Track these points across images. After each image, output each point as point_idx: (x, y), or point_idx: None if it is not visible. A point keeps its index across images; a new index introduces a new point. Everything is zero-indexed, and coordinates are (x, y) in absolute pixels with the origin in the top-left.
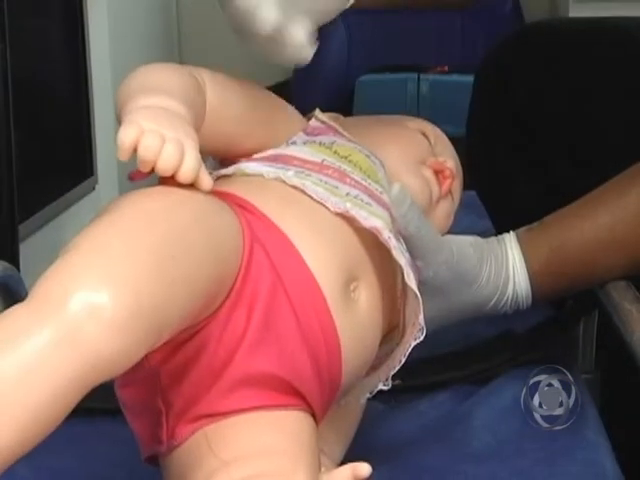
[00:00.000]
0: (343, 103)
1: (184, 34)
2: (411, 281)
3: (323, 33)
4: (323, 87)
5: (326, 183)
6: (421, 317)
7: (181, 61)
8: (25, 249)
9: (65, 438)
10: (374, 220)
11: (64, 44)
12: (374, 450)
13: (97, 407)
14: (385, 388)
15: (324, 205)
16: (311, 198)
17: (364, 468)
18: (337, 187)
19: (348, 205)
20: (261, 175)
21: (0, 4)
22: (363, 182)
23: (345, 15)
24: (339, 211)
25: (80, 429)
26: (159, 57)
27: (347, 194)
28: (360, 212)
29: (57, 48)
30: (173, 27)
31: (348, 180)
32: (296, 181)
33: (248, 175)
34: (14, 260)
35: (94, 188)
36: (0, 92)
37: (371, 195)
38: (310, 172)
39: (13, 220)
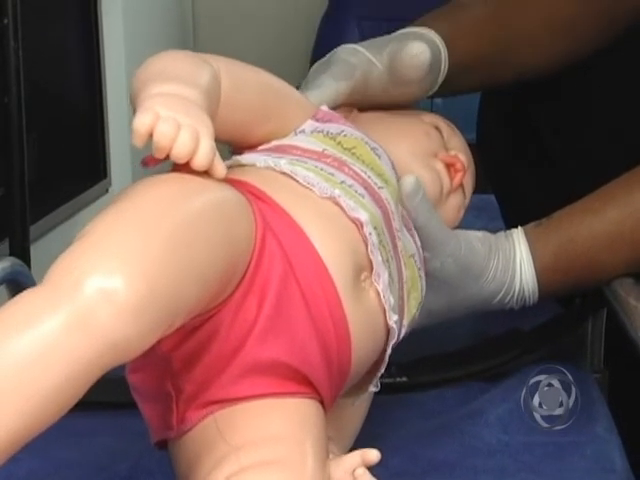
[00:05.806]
0: None
1: (199, 37)
2: (379, 282)
3: (338, 39)
4: None
5: (322, 169)
6: (395, 318)
7: None
8: (37, 250)
9: (71, 430)
10: (361, 212)
11: (79, 47)
12: (383, 444)
13: (102, 401)
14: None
15: (311, 190)
16: (297, 182)
17: (373, 454)
18: (333, 174)
19: (337, 192)
20: (254, 165)
21: (13, 3)
22: (362, 174)
23: (360, 21)
24: (325, 196)
25: (86, 422)
26: None
27: (342, 182)
28: (348, 201)
29: (72, 51)
30: (188, 29)
31: (346, 170)
32: (286, 168)
33: (244, 165)
34: (25, 259)
35: (107, 190)
36: (13, 91)
37: (367, 188)
38: (307, 160)
39: (24, 220)
